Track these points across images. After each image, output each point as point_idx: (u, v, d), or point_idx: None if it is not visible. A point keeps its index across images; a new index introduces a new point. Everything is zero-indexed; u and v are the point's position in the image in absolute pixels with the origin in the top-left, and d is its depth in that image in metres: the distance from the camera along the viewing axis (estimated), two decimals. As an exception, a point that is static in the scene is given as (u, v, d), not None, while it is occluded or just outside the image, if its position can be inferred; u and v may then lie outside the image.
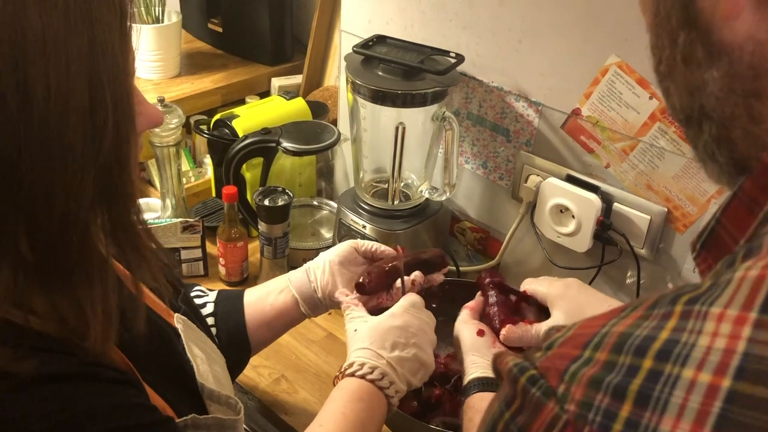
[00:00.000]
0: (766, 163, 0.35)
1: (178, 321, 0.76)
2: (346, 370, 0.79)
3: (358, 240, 0.97)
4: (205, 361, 0.76)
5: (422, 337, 0.82)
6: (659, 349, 0.28)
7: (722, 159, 0.40)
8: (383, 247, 0.96)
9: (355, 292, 0.91)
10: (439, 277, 0.97)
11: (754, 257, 0.29)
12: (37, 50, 0.48)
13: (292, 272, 0.96)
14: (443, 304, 1.09)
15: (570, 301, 0.87)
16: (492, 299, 0.93)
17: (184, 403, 0.67)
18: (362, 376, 0.77)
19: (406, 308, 0.85)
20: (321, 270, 0.93)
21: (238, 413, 0.72)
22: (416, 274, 0.93)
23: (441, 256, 0.97)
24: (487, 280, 0.95)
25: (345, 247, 0.95)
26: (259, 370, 1.14)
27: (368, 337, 0.81)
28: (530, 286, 0.92)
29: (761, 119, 0.37)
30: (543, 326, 0.87)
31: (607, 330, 0.30)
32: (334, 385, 0.80)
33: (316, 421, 0.75)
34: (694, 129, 0.41)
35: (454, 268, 1.30)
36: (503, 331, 0.88)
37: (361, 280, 0.91)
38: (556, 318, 0.86)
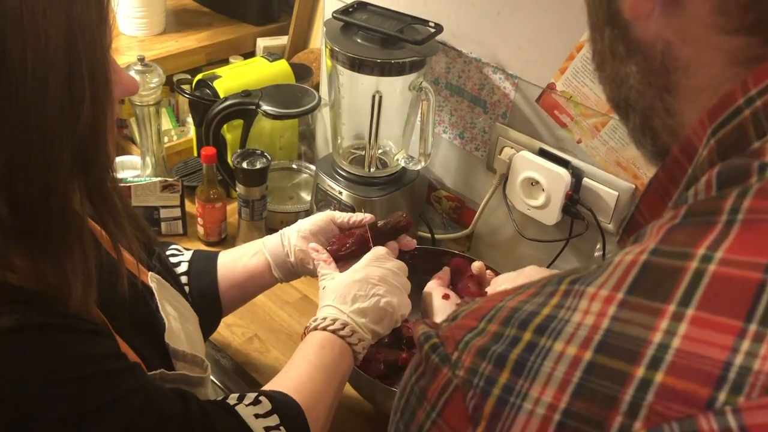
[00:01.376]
0: (675, 155, 0.37)
1: (152, 280, 0.78)
2: (310, 325, 0.83)
3: (336, 212, 0.99)
4: (177, 319, 0.78)
5: (385, 285, 0.85)
6: (539, 324, 0.30)
7: (648, 146, 0.43)
8: (358, 216, 0.98)
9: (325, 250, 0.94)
10: (411, 242, 1.00)
11: (639, 243, 0.31)
12: (15, 25, 0.50)
13: (267, 237, 0.98)
14: (415, 273, 1.12)
15: (510, 280, 0.92)
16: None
17: (155, 358, 0.70)
18: (324, 328, 0.81)
19: (369, 261, 0.88)
20: (295, 236, 0.95)
21: (205, 370, 0.75)
22: (389, 245, 0.96)
23: (405, 218, 0.98)
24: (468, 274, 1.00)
25: (322, 216, 0.97)
26: (232, 329, 1.17)
27: (332, 293, 0.85)
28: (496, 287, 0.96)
29: (674, 112, 0.39)
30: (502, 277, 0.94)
31: (503, 305, 0.33)
32: (302, 339, 0.83)
33: (283, 370, 0.79)
34: (623, 117, 0.44)
35: (429, 235, 1.32)
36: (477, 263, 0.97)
37: (329, 247, 0.94)
38: None
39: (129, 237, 0.65)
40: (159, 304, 0.76)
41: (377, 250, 0.90)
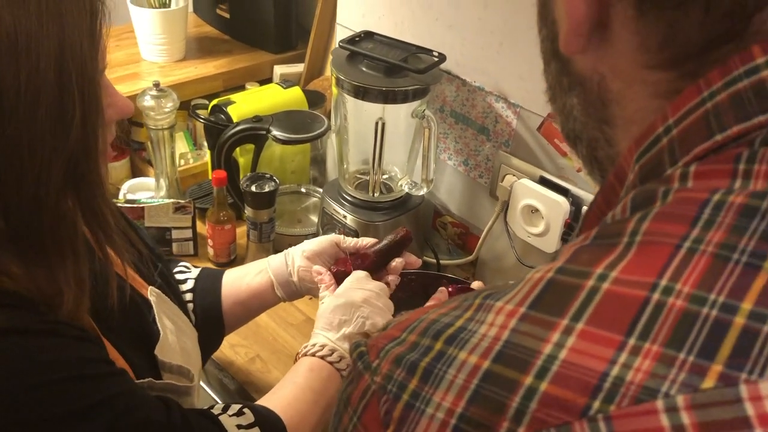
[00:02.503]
0: (610, 180, 0.39)
1: (152, 294, 0.81)
2: (300, 351, 0.85)
3: (341, 236, 1.01)
4: (174, 333, 0.81)
5: (368, 307, 0.87)
6: (450, 334, 0.32)
7: (597, 176, 0.44)
8: (363, 241, 0.99)
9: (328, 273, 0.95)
10: (416, 261, 1.01)
11: (551, 262, 0.33)
12: (9, 47, 0.53)
13: (272, 256, 1.00)
14: (416, 298, 1.14)
15: None
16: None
17: (144, 367, 0.72)
18: (314, 354, 0.83)
19: (350, 284, 0.90)
20: (299, 257, 0.97)
21: (191, 380, 0.77)
22: (393, 266, 0.97)
23: (405, 230, 1.00)
24: (450, 288, 1.00)
25: (326, 239, 0.99)
26: (236, 349, 1.19)
27: (319, 319, 0.87)
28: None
29: (613, 143, 0.41)
30: None
31: (425, 316, 0.35)
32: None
33: (271, 391, 0.82)
34: (574, 149, 0.45)
35: (435, 261, 1.34)
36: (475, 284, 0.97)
37: (333, 268, 0.96)
38: None
39: (120, 252, 0.68)
40: (157, 317, 0.78)
41: (357, 274, 0.92)
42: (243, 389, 1.13)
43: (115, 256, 0.71)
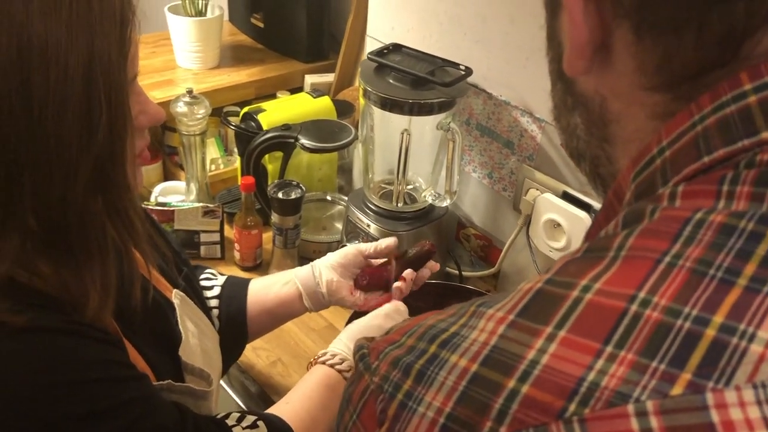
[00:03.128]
0: (610, 198, 0.41)
1: (176, 296, 0.83)
2: (318, 358, 0.86)
3: (361, 244, 1.03)
4: (196, 335, 0.83)
5: None
6: (444, 339, 0.34)
7: (600, 192, 0.46)
8: (383, 243, 1.01)
9: (359, 292, 0.99)
10: (435, 265, 1.03)
11: (543, 273, 0.35)
12: (40, 56, 0.56)
13: (297, 268, 1.02)
14: (434, 306, 1.15)
15: None
16: None
17: (166, 369, 0.74)
18: (331, 365, 0.84)
19: (389, 312, 0.92)
20: (326, 269, 0.99)
21: (210, 384, 0.79)
22: (406, 273, 0.99)
23: (430, 244, 1.02)
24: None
25: (349, 250, 1.01)
26: (258, 352, 1.21)
27: (348, 331, 0.89)
28: None
29: (613, 160, 0.42)
30: None
31: (424, 322, 0.36)
32: (307, 370, 0.86)
33: (283, 399, 0.82)
34: (578, 166, 0.47)
35: (457, 272, 1.35)
36: None
37: (356, 278, 0.99)
38: None
39: (146, 255, 0.71)
40: (179, 319, 0.81)
41: (397, 305, 0.94)
42: (263, 392, 1.15)
43: (141, 258, 0.73)
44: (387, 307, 0.93)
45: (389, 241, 1.00)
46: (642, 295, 0.30)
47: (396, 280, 0.97)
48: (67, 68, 0.57)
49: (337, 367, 0.84)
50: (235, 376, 1.19)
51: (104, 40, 0.58)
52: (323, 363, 0.85)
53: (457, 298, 1.15)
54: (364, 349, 0.38)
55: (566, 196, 1.12)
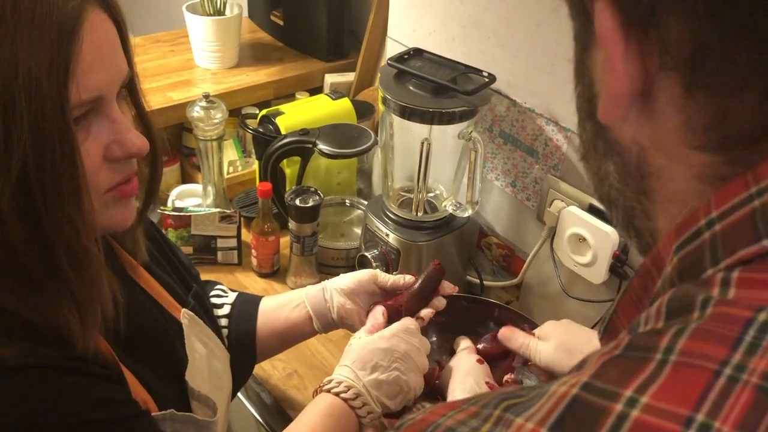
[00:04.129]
0: (647, 265, 0.37)
1: (185, 316, 0.81)
2: (324, 385, 0.83)
3: (378, 271, 0.98)
4: (204, 356, 0.80)
5: (407, 362, 0.83)
6: None
7: (634, 243, 0.42)
8: (401, 280, 0.95)
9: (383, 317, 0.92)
10: (453, 288, 0.98)
11: (576, 372, 0.31)
12: None
13: (309, 287, 0.99)
14: (457, 318, 1.12)
15: (562, 332, 0.91)
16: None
17: (170, 397, 0.71)
18: (337, 394, 0.80)
19: (397, 332, 0.86)
20: (337, 294, 0.95)
21: (214, 413, 0.77)
22: (424, 313, 0.93)
23: (437, 265, 0.96)
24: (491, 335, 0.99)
25: (364, 275, 0.96)
26: (273, 363, 1.19)
27: (353, 353, 0.84)
28: (511, 343, 0.95)
29: (651, 216, 0.38)
30: (533, 340, 0.92)
31: (441, 422, 0.33)
32: (314, 397, 0.83)
33: (287, 429, 0.79)
34: (608, 212, 0.43)
35: (478, 281, 1.31)
36: (505, 330, 0.95)
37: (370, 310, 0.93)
38: (550, 344, 0.90)
39: (101, 293, 0.61)
40: (186, 342, 0.78)
41: (407, 322, 0.88)
42: (278, 405, 1.13)
43: (147, 279, 0.71)
44: (395, 327, 0.87)
45: (410, 280, 0.95)
46: (700, 418, 0.26)
47: (408, 307, 0.92)
48: None
49: (343, 395, 0.80)
50: (251, 387, 1.17)
51: (31, 59, 0.50)
52: (328, 391, 0.81)
53: (478, 312, 1.12)
54: None
55: (592, 209, 1.07)
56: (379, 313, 0.91)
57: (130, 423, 0.61)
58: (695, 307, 0.29)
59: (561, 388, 0.30)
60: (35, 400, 0.55)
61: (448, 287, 0.97)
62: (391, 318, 0.91)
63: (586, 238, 1.06)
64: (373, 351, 0.83)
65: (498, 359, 0.97)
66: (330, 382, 0.82)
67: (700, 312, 0.29)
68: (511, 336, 0.93)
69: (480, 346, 0.98)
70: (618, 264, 1.05)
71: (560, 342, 0.88)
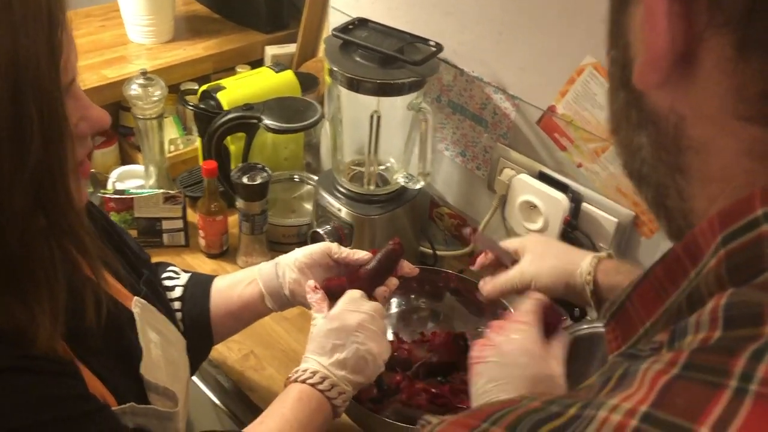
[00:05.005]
0: (677, 254, 0.33)
1: (136, 305, 0.78)
2: (291, 376, 0.82)
3: (333, 244, 0.95)
4: (159, 346, 0.78)
5: (363, 332, 0.82)
6: None
7: (663, 224, 0.39)
8: (358, 255, 0.92)
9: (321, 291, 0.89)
10: (414, 270, 0.95)
11: (624, 389, 0.27)
12: None
13: (263, 264, 0.96)
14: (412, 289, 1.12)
15: (537, 245, 0.88)
16: None
17: (128, 389, 0.69)
18: (303, 381, 0.80)
19: (344, 307, 0.85)
20: (290, 269, 0.92)
21: (176, 404, 0.75)
22: (388, 283, 0.92)
23: (395, 242, 0.93)
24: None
25: (318, 249, 0.93)
26: (229, 345, 1.17)
27: (312, 343, 0.83)
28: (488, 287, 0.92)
29: (686, 196, 0.35)
30: (517, 270, 0.87)
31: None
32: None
33: (258, 420, 0.78)
34: (638, 189, 0.39)
35: (431, 251, 1.31)
36: (485, 286, 0.91)
37: (326, 283, 0.91)
38: (525, 260, 0.87)
39: (99, 272, 0.65)
40: (140, 331, 0.76)
41: (351, 294, 0.86)
42: (238, 389, 1.12)
43: (93, 272, 0.68)
44: (341, 303, 0.85)
45: (366, 256, 0.92)
46: None
47: (363, 285, 0.89)
48: None
49: (309, 381, 0.80)
50: (207, 371, 1.15)
51: (31, 44, 0.52)
52: (302, 381, 0.80)
53: (432, 282, 1.13)
54: None
55: (542, 176, 1.09)
56: (310, 289, 0.88)
57: (90, 418, 0.59)
58: (765, 319, 0.26)
59: (613, 416, 0.26)
60: None
61: (407, 267, 0.95)
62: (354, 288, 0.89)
63: (537, 205, 1.07)
64: (326, 333, 0.82)
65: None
66: (297, 372, 0.81)
67: None
68: (493, 290, 0.89)
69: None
70: (569, 229, 1.06)
71: (533, 252, 0.86)
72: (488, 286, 0.90)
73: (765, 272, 0.27)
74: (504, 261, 0.90)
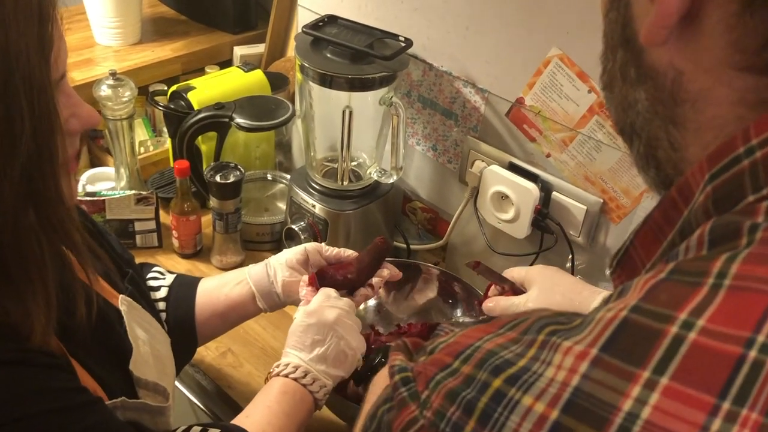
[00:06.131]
0: (672, 196, 0.36)
1: (122, 303, 0.78)
2: (273, 371, 0.83)
3: (323, 245, 0.97)
4: (146, 342, 0.78)
5: (341, 327, 0.84)
6: (512, 374, 0.29)
7: (651, 174, 0.41)
8: (347, 253, 0.96)
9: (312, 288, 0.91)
10: (398, 274, 0.97)
11: (622, 297, 0.30)
12: None
13: (251, 266, 0.97)
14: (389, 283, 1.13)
15: (545, 278, 0.89)
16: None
17: (118, 385, 0.69)
18: (286, 375, 0.81)
19: (321, 303, 0.86)
20: (281, 268, 0.93)
21: (167, 399, 0.75)
22: (374, 280, 0.94)
23: (382, 240, 0.96)
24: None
25: (309, 248, 0.95)
26: (206, 343, 1.17)
27: (292, 338, 0.84)
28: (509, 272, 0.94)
29: (678, 146, 0.37)
30: (522, 299, 0.88)
31: (480, 344, 0.32)
32: (265, 384, 0.83)
33: (243, 413, 0.79)
34: (628, 143, 0.42)
35: (405, 246, 1.33)
36: (487, 302, 0.91)
37: (312, 276, 0.92)
38: (532, 293, 0.88)
39: (88, 266, 0.65)
40: (128, 328, 0.76)
41: (326, 291, 0.88)
42: (217, 386, 1.12)
43: (82, 268, 0.68)
44: (317, 300, 0.86)
45: (353, 254, 0.95)
46: (761, 339, 0.26)
47: (356, 282, 0.92)
48: None
49: (292, 376, 0.81)
50: (185, 370, 1.15)
51: (21, 39, 0.52)
52: (284, 375, 0.81)
53: (408, 273, 1.14)
54: (408, 372, 0.33)
55: (513, 167, 1.11)
56: (304, 284, 0.90)
57: (84, 410, 0.59)
58: (742, 234, 0.29)
59: (608, 313, 0.29)
60: None
61: (393, 271, 0.96)
62: (339, 286, 0.91)
63: (509, 195, 1.09)
64: (305, 329, 0.83)
65: None
66: (279, 366, 0.82)
67: (749, 237, 0.28)
68: (495, 307, 0.91)
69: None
70: (539, 218, 1.09)
71: (541, 288, 0.87)
72: (491, 303, 0.91)
73: (744, 200, 0.30)
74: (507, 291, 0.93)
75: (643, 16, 0.35)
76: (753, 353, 0.26)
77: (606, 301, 0.32)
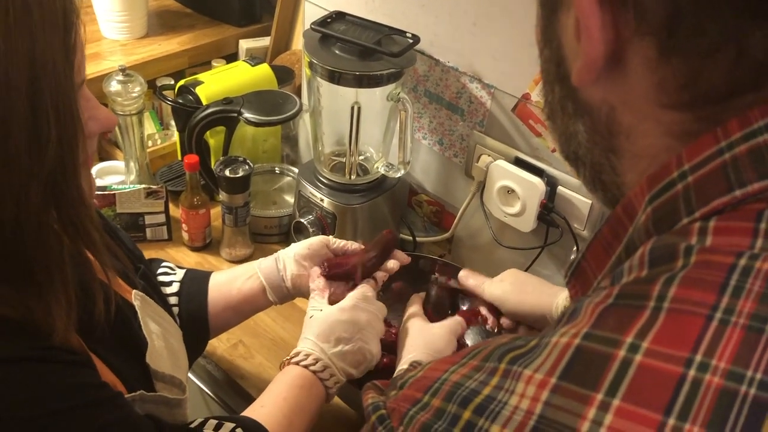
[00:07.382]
0: (618, 213, 0.39)
1: (136, 298, 0.80)
2: (292, 358, 0.85)
3: (331, 237, 0.99)
4: (160, 336, 0.80)
5: (369, 331, 0.86)
6: (479, 403, 0.32)
7: (599, 195, 0.44)
8: (354, 245, 0.98)
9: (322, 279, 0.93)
10: (406, 258, 1.00)
11: (571, 322, 0.33)
12: None
13: (261, 260, 0.99)
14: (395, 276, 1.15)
15: (517, 275, 0.99)
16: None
17: (136, 379, 0.72)
18: (305, 366, 0.82)
19: (357, 301, 0.88)
20: (291, 262, 0.95)
21: (183, 392, 0.77)
22: (384, 268, 0.97)
23: (389, 233, 1.00)
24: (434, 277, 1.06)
25: (316, 241, 0.98)
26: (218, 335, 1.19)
27: (317, 328, 0.85)
28: (468, 281, 1.02)
29: (618, 172, 0.40)
30: (486, 281, 1.00)
31: (446, 377, 0.34)
32: (281, 370, 0.85)
33: (258, 402, 0.81)
34: (575, 168, 0.45)
35: (411, 238, 1.35)
36: (462, 272, 1.04)
37: (325, 270, 0.94)
38: (506, 286, 0.98)
39: (106, 264, 0.67)
40: (142, 323, 0.78)
41: (364, 290, 0.90)
42: (228, 377, 1.14)
43: (99, 265, 0.70)
44: (354, 297, 0.89)
45: (360, 247, 0.98)
46: (699, 358, 0.28)
47: (363, 273, 0.94)
48: (9, 81, 0.52)
49: (312, 368, 0.82)
50: (198, 362, 1.17)
51: (47, 47, 0.54)
52: (296, 363, 0.83)
53: (418, 269, 1.16)
54: (382, 410, 0.35)
55: (519, 162, 1.13)
56: (315, 275, 0.93)
57: (105, 405, 0.61)
58: (678, 256, 0.31)
59: (562, 339, 0.32)
60: (11, 394, 0.54)
61: (402, 257, 1.00)
62: (347, 276, 0.94)
63: (515, 190, 1.11)
64: (334, 323, 0.85)
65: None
66: (297, 354, 0.84)
67: (684, 260, 0.31)
68: (469, 275, 1.02)
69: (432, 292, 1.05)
70: (545, 212, 1.11)
71: (514, 282, 0.96)
72: (464, 273, 1.04)
73: (680, 221, 0.33)
74: None
75: (573, 57, 0.38)
76: (692, 372, 0.28)
77: (559, 321, 0.35)
